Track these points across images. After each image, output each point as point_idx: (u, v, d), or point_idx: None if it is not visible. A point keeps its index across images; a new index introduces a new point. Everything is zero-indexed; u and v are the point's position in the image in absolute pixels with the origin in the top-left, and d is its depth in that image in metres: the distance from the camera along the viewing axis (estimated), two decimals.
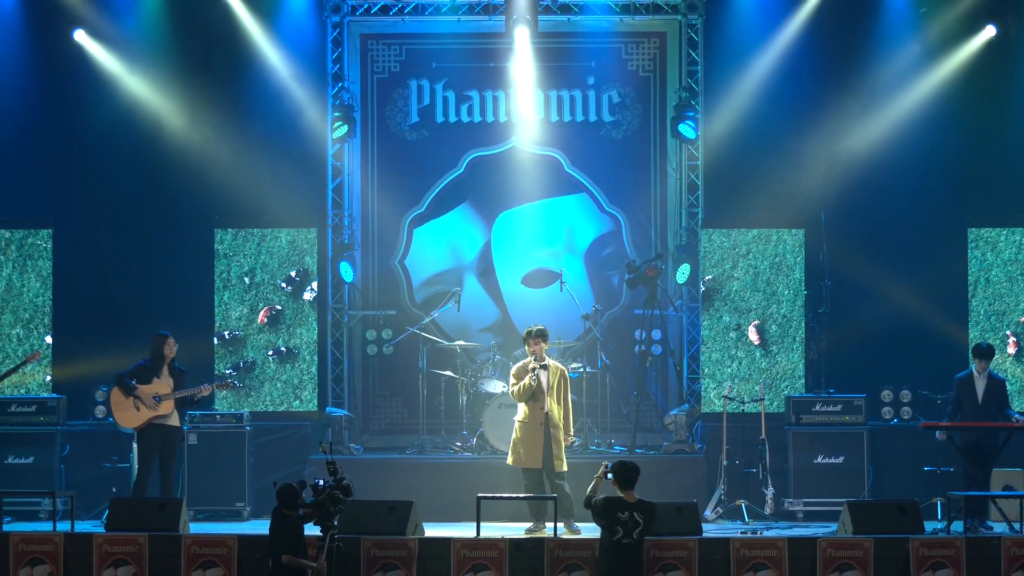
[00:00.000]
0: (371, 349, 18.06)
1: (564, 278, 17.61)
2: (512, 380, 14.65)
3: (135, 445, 15.52)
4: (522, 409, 14.51)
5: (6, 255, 17.76)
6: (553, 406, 14.42)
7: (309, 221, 17.94)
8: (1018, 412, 15.53)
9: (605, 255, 18.24)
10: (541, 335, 14.57)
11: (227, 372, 17.50)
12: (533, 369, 14.41)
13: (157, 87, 17.81)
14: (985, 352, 15.29)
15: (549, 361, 14.62)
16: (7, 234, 17.78)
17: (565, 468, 14.40)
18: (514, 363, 16.76)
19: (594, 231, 18.25)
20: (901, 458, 16.66)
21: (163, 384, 15.08)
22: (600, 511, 11.92)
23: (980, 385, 15.18)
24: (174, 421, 15.16)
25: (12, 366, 16.41)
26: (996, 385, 15.22)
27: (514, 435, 14.54)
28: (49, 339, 17.70)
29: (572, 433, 14.78)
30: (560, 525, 13.69)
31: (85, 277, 17.88)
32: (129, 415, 15.04)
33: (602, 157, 18.14)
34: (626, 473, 11.98)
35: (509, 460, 14.57)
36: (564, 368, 14.81)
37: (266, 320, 17.79)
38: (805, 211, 17.77)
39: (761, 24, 17.79)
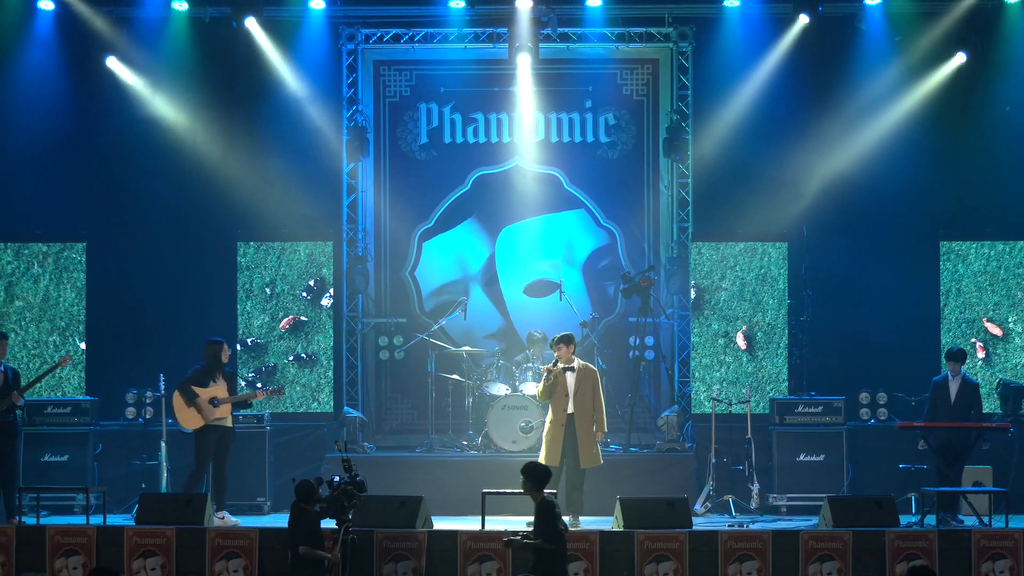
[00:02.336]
0: (383, 354, 18.11)
1: (563, 288, 17.67)
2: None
3: (196, 443, 15.25)
4: (549, 410, 14.67)
5: (43, 267, 17.82)
6: (578, 407, 14.52)
7: (326, 235, 17.98)
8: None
9: (602, 267, 18.28)
10: (562, 340, 14.70)
11: (275, 378, 17.53)
12: (548, 371, 14.58)
13: (183, 109, 17.82)
14: (956, 355, 15.36)
15: (578, 363, 14.70)
16: (44, 248, 17.83)
17: (591, 464, 14.48)
18: (516, 368, 16.89)
19: (591, 244, 18.30)
20: (878, 456, 16.70)
21: (219, 388, 15.07)
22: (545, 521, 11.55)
23: (954, 387, 15.24)
24: (229, 423, 15.17)
25: (46, 369, 16.46)
26: (969, 388, 15.28)
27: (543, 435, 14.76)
28: (83, 346, 17.75)
29: (604, 428, 14.79)
30: (567, 518, 13.69)
31: (117, 288, 17.92)
32: (190, 417, 15.00)
33: (599, 175, 18.19)
34: (537, 476, 11.75)
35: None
36: (594, 368, 14.86)
37: (288, 327, 17.85)
38: (788, 226, 17.79)
39: (747, 51, 17.77)
